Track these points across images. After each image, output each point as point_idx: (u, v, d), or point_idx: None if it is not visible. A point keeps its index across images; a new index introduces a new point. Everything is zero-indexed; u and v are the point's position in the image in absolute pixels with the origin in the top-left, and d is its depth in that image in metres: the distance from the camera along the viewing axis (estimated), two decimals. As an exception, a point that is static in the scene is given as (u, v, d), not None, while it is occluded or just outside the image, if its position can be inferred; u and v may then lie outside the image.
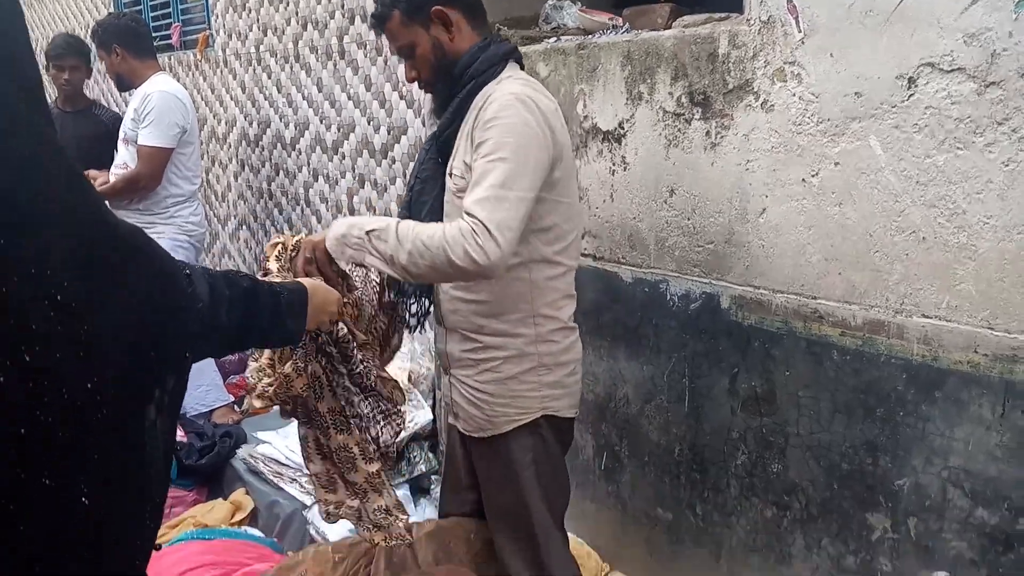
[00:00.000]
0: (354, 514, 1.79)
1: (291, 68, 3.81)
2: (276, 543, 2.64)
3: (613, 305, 2.31)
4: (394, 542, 1.80)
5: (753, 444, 1.99)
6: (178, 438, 3.15)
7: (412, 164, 2.74)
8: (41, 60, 3.64)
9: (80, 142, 3.83)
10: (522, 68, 1.80)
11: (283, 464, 2.86)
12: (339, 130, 3.56)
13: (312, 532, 2.62)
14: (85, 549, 0.83)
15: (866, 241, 1.70)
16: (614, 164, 2.23)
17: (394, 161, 3.24)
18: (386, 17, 1.73)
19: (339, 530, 2.42)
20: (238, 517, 2.80)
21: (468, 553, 2.05)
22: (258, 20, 4.00)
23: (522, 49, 1.87)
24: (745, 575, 2.06)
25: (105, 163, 3.69)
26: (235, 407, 3.53)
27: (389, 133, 3.24)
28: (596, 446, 2.44)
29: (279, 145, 4.04)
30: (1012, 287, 1.51)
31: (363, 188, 3.47)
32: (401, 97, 3.13)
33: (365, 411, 1.74)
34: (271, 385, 1.63)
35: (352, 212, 3.55)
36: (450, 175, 1.75)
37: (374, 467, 1.74)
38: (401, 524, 1.78)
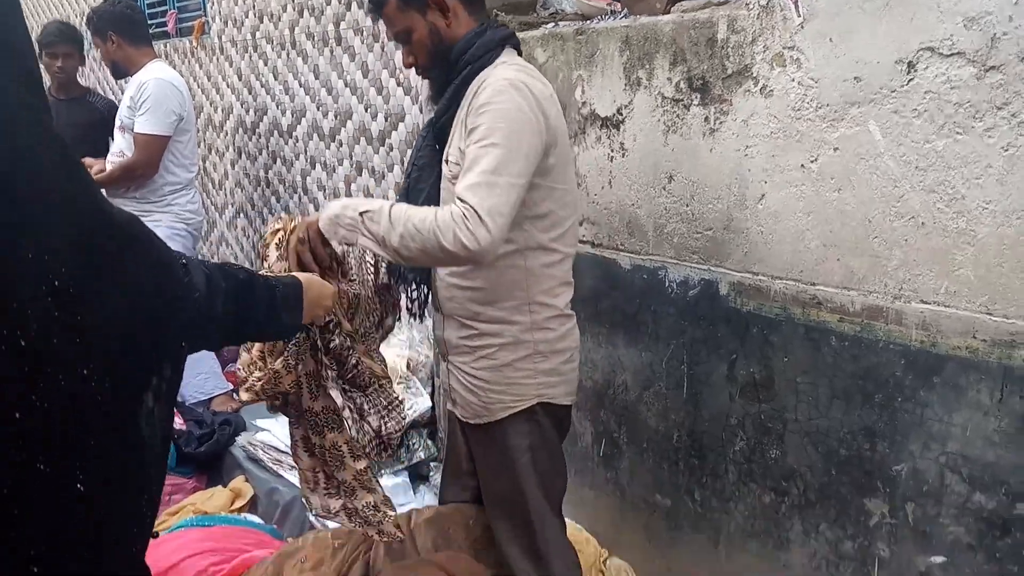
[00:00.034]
0: (342, 512, 1.80)
1: (287, 55, 3.79)
2: (276, 530, 2.65)
3: (612, 292, 2.31)
4: (385, 539, 1.81)
5: (751, 430, 1.99)
6: (177, 426, 3.16)
7: (410, 151, 2.73)
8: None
9: (74, 130, 3.82)
10: (520, 54, 1.79)
11: (282, 451, 2.86)
12: (336, 117, 3.55)
13: (312, 519, 2.62)
14: (81, 533, 0.84)
15: (865, 227, 1.70)
16: (612, 150, 2.23)
17: (391, 148, 3.23)
18: (383, 2, 1.72)
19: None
20: (238, 504, 2.81)
21: (467, 539, 2.06)
22: (254, 7, 3.98)
23: (520, 35, 1.86)
24: (743, 560, 2.07)
25: (100, 151, 3.67)
26: (234, 395, 3.53)
27: (386, 120, 3.23)
28: (595, 433, 2.45)
29: (276, 133, 4.02)
30: (1011, 272, 1.51)
31: (360, 175, 3.46)
32: (398, 84, 3.12)
33: (365, 406, 1.74)
34: (260, 380, 1.63)
35: (350, 199, 3.53)
36: (446, 162, 1.74)
37: (361, 464, 1.75)
38: (390, 520, 1.78)
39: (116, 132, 3.48)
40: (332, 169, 3.65)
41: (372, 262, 1.81)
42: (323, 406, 1.70)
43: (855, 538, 1.82)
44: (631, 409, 2.31)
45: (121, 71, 3.49)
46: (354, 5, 3.29)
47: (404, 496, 2.74)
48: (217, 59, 4.39)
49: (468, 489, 2.06)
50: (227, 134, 4.46)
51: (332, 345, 1.64)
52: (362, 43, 3.28)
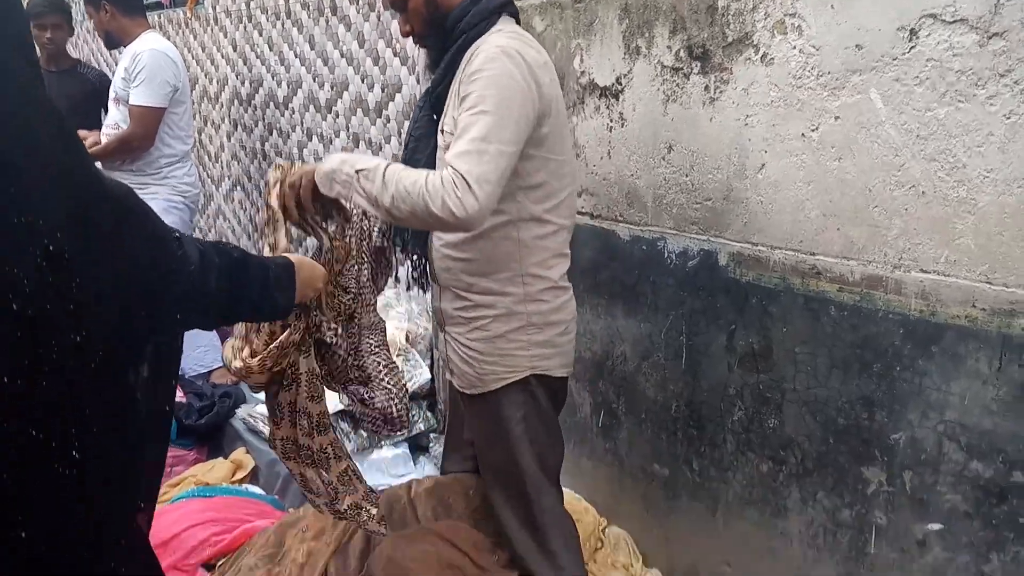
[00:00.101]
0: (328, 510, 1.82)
1: (282, 25, 3.75)
2: (277, 500, 2.66)
3: (610, 263, 2.30)
4: (371, 532, 1.84)
5: (750, 400, 2.00)
6: (177, 398, 3.16)
7: (407, 122, 2.71)
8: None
9: (66, 102, 3.78)
10: (518, 22, 1.77)
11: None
12: (332, 88, 3.51)
13: (312, 490, 2.64)
14: (77, 499, 0.84)
15: (865, 196, 1.69)
16: (611, 120, 2.21)
17: (389, 119, 3.21)
18: None
19: (339, 488, 2.44)
20: (239, 475, 2.83)
21: (467, 509, 2.08)
22: (248, -24, 3.93)
23: (518, 3, 1.83)
24: (741, 528, 2.09)
25: (92, 123, 3.64)
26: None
27: (383, 91, 3.20)
28: (593, 403, 2.46)
29: (272, 104, 3.99)
30: (1012, 241, 1.50)
31: (358, 147, 3.44)
32: (395, 54, 3.09)
33: (366, 395, 1.76)
34: (260, 355, 1.63)
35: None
36: (441, 132, 1.73)
37: (343, 464, 1.76)
38: (374, 518, 1.80)
39: (110, 104, 3.45)
40: (329, 141, 3.63)
41: (367, 226, 1.81)
42: (319, 411, 1.70)
43: (852, 506, 1.83)
44: (630, 380, 2.32)
45: (114, 41, 3.45)
46: (349, -26, 3.24)
47: (404, 467, 2.76)
48: (211, 30, 4.34)
49: (469, 459, 2.08)
50: (222, 106, 4.42)
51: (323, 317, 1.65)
52: (358, 12, 3.25)
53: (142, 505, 0.99)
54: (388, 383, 1.85)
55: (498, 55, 1.57)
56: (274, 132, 4.03)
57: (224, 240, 4.63)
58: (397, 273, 2.75)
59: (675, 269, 2.12)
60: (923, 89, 1.57)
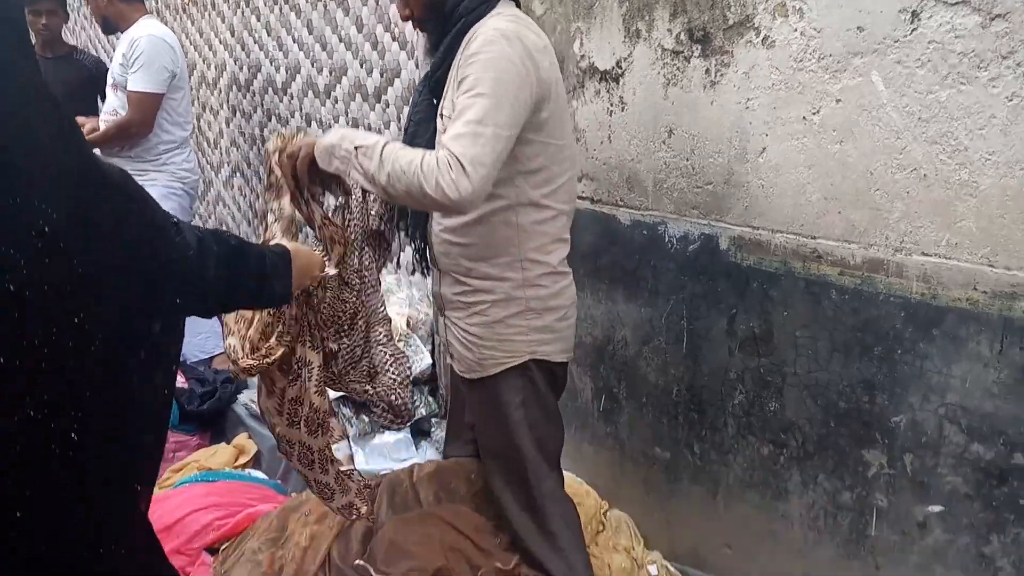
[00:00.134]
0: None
1: (280, 10, 3.73)
2: (280, 485, 2.67)
3: (611, 248, 2.30)
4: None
5: (750, 384, 2.00)
6: (179, 384, 3.18)
7: (406, 107, 2.70)
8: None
9: (62, 88, 3.75)
10: (518, 5, 1.76)
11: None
12: (331, 74, 3.50)
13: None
14: (76, 480, 0.84)
15: (866, 179, 1.69)
16: (612, 104, 2.20)
17: (388, 105, 3.19)
18: None
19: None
20: (241, 460, 2.84)
21: (469, 492, 2.08)
22: (246, -40, 3.91)
23: (518, -15, 1.82)
24: (741, 511, 2.10)
25: (89, 109, 3.62)
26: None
27: (382, 76, 3.18)
28: (595, 388, 2.46)
29: (270, 90, 3.97)
30: (1013, 224, 1.50)
31: (357, 132, 3.42)
32: (394, 39, 3.07)
33: (371, 389, 1.77)
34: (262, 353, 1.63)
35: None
36: (441, 116, 1.72)
37: (337, 467, 1.77)
38: (363, 513, 1.81)
39: (108, 90, 3.43)
40: (328, 126, 3.61)
41: (367, 208, 1.82)
42: (324, 407, 1.70)
43: (853, 489, 1.84)
44: (631, 364, 2.32)
45: (111, 27, 3.43)
46: (347, -43, 3.22)
47: (406, 452, 2.76)
48: (209, 15, 4.32)
49: (471, 444, 2.08)
50: (221, 92, 4.40)
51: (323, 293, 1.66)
52: (356, -3, 3.23)
53: (140, 488, 1.00)
54: (393, 374, 1.86)
55: (497, 38, 1.56)
56: (273, 118, 4.01)
57: (224, 227, 4.63)
58: (399, 258, 2.76)
59: (676, 253, 2.12)
60: (925, 71, 1.57)
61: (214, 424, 3.17)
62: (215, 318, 3.56)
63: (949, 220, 1.58)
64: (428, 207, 1.68)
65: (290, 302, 1.51)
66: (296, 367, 1.66)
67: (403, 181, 1.51)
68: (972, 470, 1.64)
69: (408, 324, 2.97)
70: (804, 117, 1.77)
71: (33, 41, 3.85)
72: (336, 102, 3.51)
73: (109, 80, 3.41)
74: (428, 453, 2.79)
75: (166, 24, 4.08)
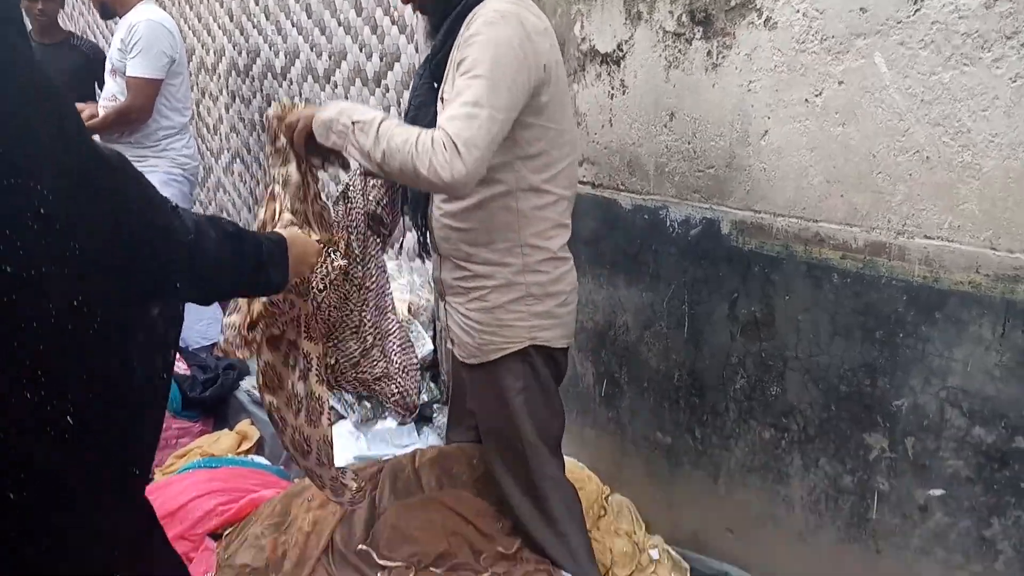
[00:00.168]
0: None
1: (279, -6, 3.71)
2: (283, 470, 2.68)
3: (612, 232, 2.29)
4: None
5: (752, 368, 2.00)
6: (181, 371, 3.18)
7: (406, 92, 2.69)
8: (21, -11, 3.52)
9: (60, 75, 3.74)
10: (518, -13, 1.74)
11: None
12: (330, 58, 3.48)
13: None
14: (72, 464, 0.84)
15: (869, 162, 1.68)
16: (613, 88, 2.19)
17: (388, 89, 3.18)
18: None
19: (344, 456, 2.45)
20: (244, 446, 2.85)
21: (471, 478, 2.09)
22: (243, -56, 3.88)
23: (517, -32, 1.80)
24: (743, 495, 2.10)
25: (87, 95, 3.61)
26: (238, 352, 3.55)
27: (382, 60, 3.16)
28: (596, 373, 2.46)
29: (269, 75, 3.95)
30: (1016, 206, 1.49)
31: (357, 118, 3.41)
32: (393, 22, 3.05)
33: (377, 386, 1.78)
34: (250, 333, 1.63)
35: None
36: (441, 100, 1.71)
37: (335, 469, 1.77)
38: (353, 489, 1.82)
39: (107, 76, 3.42)
40: (328, 111, 3.60)
41: (368, 192, 1.81)
42: (326, 397, 1.70)
43: (854, 472, 1.84)
44: (632, 349, 2.32)
45: (109, 12, 3.41)
46: (346, -59, 3.20)
47: (408, 438, 2.77)
48: (207, 0, 4.29)
49: (472, 429, 2.09)
50: (220, 77, 4.38)
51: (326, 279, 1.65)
52: (355, -20, 3.21)
53: (137, 472, 1.00)
54: (398, 364, 1.87)
55: (496, 19, 1.55)
56: (272, 103, 3.99)
57: (225, 213, 4.62)
58: (401, 244, 2.75)
59: (677, 238, 2.11)
60: (928, 53, 1.55)
61: (217, 411, 3.18)
62: (216, 304, 3.59)
63: (951, 203, 1.58)
64: (422, 186, 1.67)
65: (285, 290, 1.51)
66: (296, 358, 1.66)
67: (397, 159, 1.50)
68: (973, 453, 1.64)
69: (409, 310, 2.97)
70: (806, 99, 1.76)
71: (29, 27, 3.86)
72: (336, 87, 3.50)
73: (108, 66, 3.40)
74: (430, 439, 2.79)
75: (164, 9, 4.06)
